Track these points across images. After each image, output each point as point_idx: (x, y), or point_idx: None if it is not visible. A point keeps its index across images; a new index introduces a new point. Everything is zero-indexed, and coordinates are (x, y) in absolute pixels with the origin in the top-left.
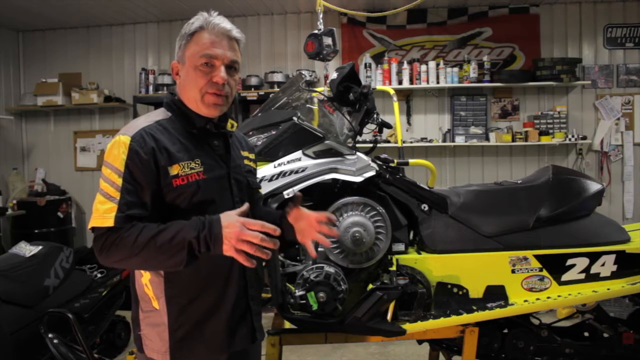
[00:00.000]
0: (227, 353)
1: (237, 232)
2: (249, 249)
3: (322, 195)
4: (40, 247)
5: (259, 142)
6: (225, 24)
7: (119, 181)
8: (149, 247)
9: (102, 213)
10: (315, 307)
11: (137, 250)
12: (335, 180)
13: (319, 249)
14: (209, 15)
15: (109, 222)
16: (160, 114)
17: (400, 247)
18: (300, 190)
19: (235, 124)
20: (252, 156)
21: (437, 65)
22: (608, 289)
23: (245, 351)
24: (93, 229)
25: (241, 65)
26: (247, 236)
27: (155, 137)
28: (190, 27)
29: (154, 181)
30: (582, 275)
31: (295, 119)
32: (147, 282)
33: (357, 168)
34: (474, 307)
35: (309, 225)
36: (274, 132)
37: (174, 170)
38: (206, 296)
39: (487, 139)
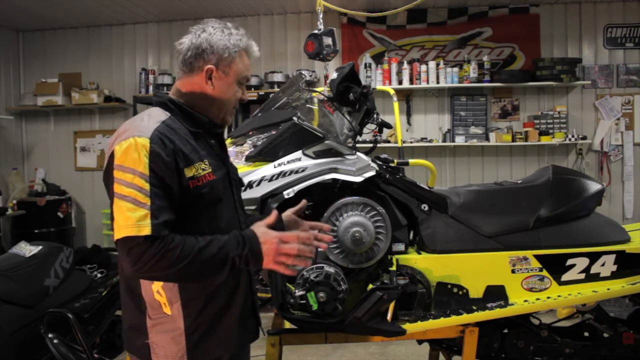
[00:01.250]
0: (239, 348)
1: (275, 247)
2: (288, 261)
3: (322, 195)
4: (40, 247)
5: (259, 142)
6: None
7: (147, 186)
8: (193, 261)
9: (136, 221)
10: (315, 307)
11: (180, 263)
12: (335, 180)
13: (319, 250)
14: (247, 37)
15: (146, 231)
16: (159, 114)
17: (400, 247)
18: (300, 190)
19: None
20: None
21: (437, 65)
22: (608, 289)
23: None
24: (126, 239)
25: None
26: (285, 250)
27: (170, 139)
28: (238, 41)
29: (177, 183)
30: (582, 275)
31: (295, 119)
32: (159, 288)
33: (357, 168)
34: (474, 307)
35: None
36: (274, 132)
37: (190, 172)
38: (220, 296)
39: (487, 139)
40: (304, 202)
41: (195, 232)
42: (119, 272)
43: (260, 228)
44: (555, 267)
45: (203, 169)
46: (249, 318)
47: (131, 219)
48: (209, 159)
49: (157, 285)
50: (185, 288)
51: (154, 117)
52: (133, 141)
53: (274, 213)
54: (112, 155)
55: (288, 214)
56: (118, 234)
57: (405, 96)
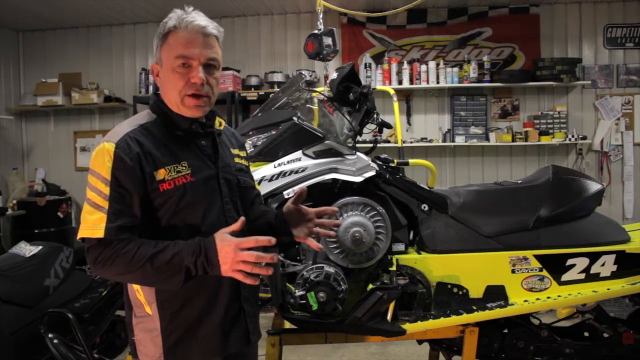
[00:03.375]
0: (221, 356)
1: (232, 254)
2: (246, 268)
3: (322, 195)
4: (40, 247)
5: (259, 142)
6: (199, 20)
7: (106, 190)
8: (145, 266)
9: (92, 224)
10: (315, 307)
11: (134, 267)
12: (335, 180)
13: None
14: (183, 13)
15: (99, 233)
16: (145, 116)
17: (400, 247)
18: None
19: (223, 122)
20: (243, 154)
21: (437, 65)
22: (608, 289)
23: (241, 353)
24: (83, 239)
25: (240, 65)
26: (242, 257)
27: (140, 142)
28: (164, 26)
29: (142, 187)
30: (582, 275)
31: (295, 119)
32: (138, 287)
33: (357, 168)
34: (474, 307)
35: (307, 220)
36: (274, 132)
37: (160, 175)
38: (198, 299)
39: (487, 139)
40: (301, 187)
41: (172, 236)
42: None
43: (220, 235)
44: (555, 267)
45: (178, 172)
46: (234, 326)
47: (88, 221)
48: (192, 160)
49: (136, 285)
50: (160, 290)
51: (135, 120)
52: (102, 146)
53: (240, 220)
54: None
55: (288, 205)
56: (79, 234)
57: (405, 96)
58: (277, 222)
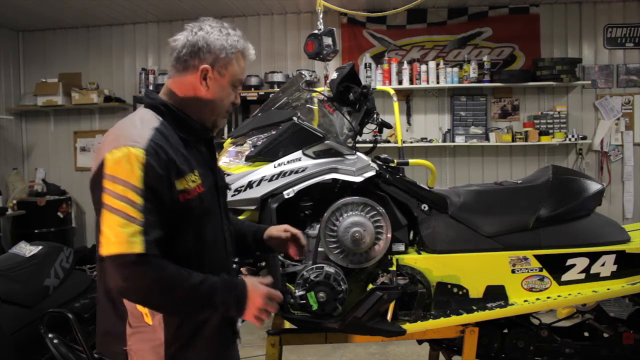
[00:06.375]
0: (218, 356)
1: (262, 303)
2: (265, 317)
3: (322, 195)
4: (40, 247)
5: (259, 142)
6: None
7: (139, 200)
8: (182, 295)
9: (127, 237)
10: (315, 307)
11: (169, 293)
12: (335, 180)
13: (319, 249)
14: (245, 40)
15: (137, 248)
16: (152, 118)
17: (400, 247)
18: (300, 190)
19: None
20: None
21: (437, 65)
22: (608, 289)
23: (230, 354)
24: (117, 255)
25: None
26: (269, 307)
27: (165, 150)
28: (237, 43)
29: (169, 197)
30: (582, 275)
31: (295, 119)
32: None
33: (357, 168)
34: (474, 307)
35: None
36: (274, 132)
37: (181, 184)
38: None
39: (487, 139)
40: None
41: (179, 245)
42: (97, 279)
43: (251, 280)
44: (555, 267)
45: (193, 181)
46: (226, 326)
47: (122, 234)
48: (199, 168)
49: None
50: None
51: (147, 123)
52: (126, 151)
53: (269, 278)
54: (102, 163)
55: (269, 235)
56: (108, 250)
57: (405, 96)
58: (257, 237)
